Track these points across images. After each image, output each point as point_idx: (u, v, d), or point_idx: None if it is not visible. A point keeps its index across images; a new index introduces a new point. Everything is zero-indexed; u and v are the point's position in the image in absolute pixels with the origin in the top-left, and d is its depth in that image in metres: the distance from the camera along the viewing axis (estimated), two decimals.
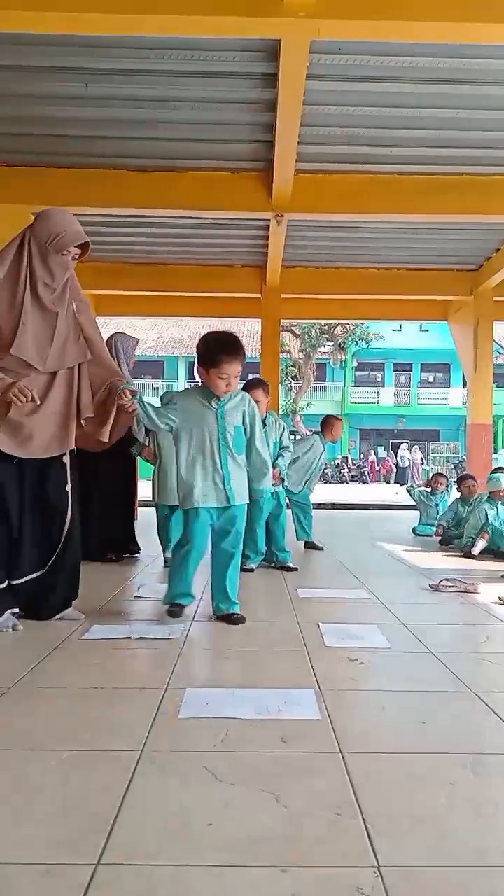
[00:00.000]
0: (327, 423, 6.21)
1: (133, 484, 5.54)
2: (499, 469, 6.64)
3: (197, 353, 3.19)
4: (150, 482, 4.85)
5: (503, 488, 5.88)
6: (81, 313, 3.17)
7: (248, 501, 3.26)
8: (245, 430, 3.24)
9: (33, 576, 3.10)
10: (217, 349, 3.08)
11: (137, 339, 5.32)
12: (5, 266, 2.93)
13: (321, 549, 5.92)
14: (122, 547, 5.13)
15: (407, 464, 23.90)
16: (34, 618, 3.08)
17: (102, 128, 5.61)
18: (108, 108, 5.33)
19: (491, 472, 6.38)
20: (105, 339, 3.67)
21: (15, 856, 1.31)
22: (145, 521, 5.71)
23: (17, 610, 3.06)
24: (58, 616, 3.13)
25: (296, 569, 4.83)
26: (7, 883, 1.23)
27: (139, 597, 3.80)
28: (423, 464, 25.12)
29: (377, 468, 26.63)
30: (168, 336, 31.02)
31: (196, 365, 3.25)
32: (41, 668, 2.46)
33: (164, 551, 4.82)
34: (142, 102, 5.24)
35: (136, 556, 5.17)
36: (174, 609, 3.23)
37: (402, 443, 27.25)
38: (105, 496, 4.90)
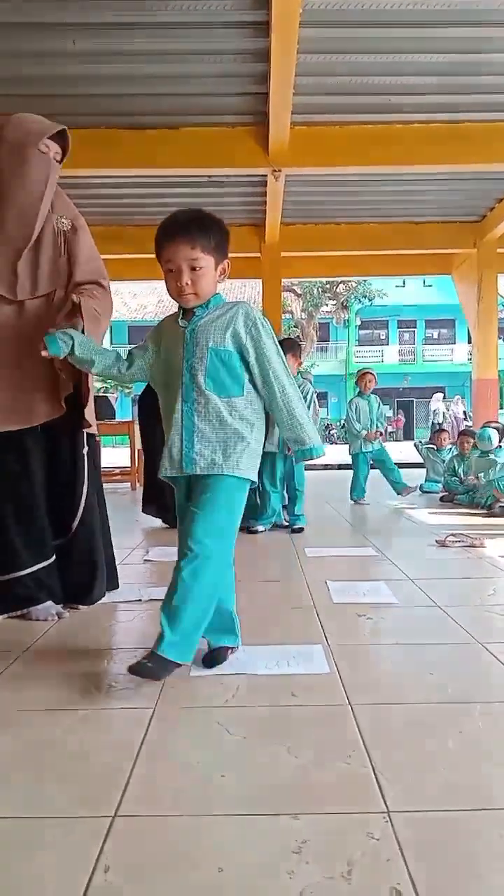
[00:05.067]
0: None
1: None
2: (488, 423, 6.63)
3: None
4: None
5: (494, 446, 5.93)
6: (74, 232, 2.68)
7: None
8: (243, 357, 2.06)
9: (35, 568, 2.65)
10: (157, 235, 2.08)
11: None
12: None
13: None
14: None
15: (442, 419, 19.02)
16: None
17: (92, 85, 5.47)
18: (97, 65, 5.19)
19: (481, 428, 6.39)
20: None
21: (35, 810, 1.35)
22: None
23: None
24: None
25: (301, 530, 4.85)
26: (28, 835, 1.27)
27: (148, 560, 3.84)
28: (465, 418, 18.85)
29: (379, 427, 26.14)
30: (168, 299, 30.70)
31: None
32: (53, 632, 2.50)
33: None
34: (131, 57, 5.10)
35: None
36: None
37: (431, 394, 22.22)
38: None
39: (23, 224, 2.54)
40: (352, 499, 6.52)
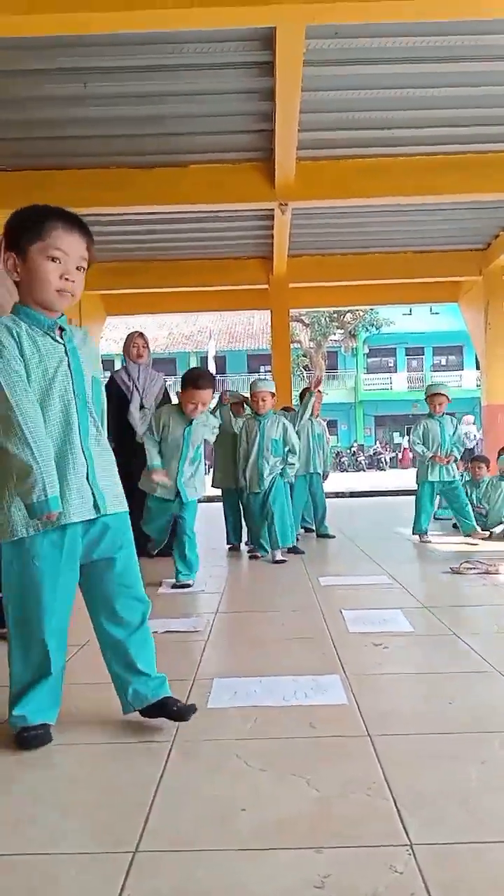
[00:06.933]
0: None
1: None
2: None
3: (5, 231, 1.83)
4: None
5: None
6: None
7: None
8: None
9: None
10: (44, 216, 1.79)
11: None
12: None
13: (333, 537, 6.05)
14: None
15: (475, 442, 16.55)
16: None
17: (103, 126, 5.62)
18: (108, 107, 5.34)
19: (501, 452, 6.34)
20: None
21: (58, 846, 1.35)
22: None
23: None
24: None
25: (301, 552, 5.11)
26: (51, 871, 1.26)
27: (163, 592, 3.84)
28: None
29: (380, 455, 25.25)
30: (178, 332, 31.08)
31: (4, 254, 1.82)
32: (71, 665, 2.49)
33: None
34: (141, 99, 5.25)
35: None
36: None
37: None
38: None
39: None
40: (414, 532, 5.73)
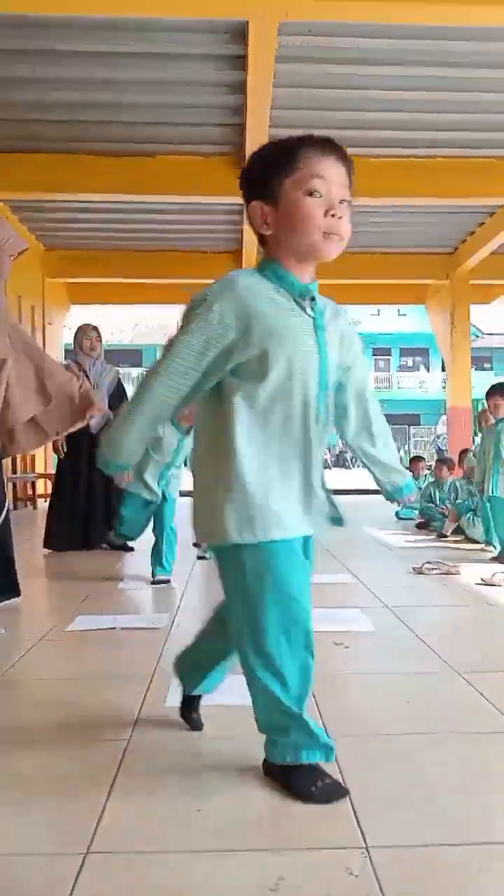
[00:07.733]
0: None
1: None
2: (466, 451, 6.72)
3: (244, 180, 1.51)
4: None
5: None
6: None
7: None
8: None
9: None
10: (293, 142, 1.45)
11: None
12: None
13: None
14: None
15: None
16: None
17: (74, 112, 5.53)
18: (73, 92, 5.25)
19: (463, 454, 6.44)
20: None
21: (7, 846, 1.31)
22: None
23: None
24: None
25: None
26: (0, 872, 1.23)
27: (124, 587, 3.79)
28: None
29: (346, 454, 25.57)
30: (145, 325, 30.81)
31: (248, 207, 1.47)
32: (27, 660, 2.45)
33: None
34: (112, 85, 5.18)
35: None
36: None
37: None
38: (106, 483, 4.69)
39: None
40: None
